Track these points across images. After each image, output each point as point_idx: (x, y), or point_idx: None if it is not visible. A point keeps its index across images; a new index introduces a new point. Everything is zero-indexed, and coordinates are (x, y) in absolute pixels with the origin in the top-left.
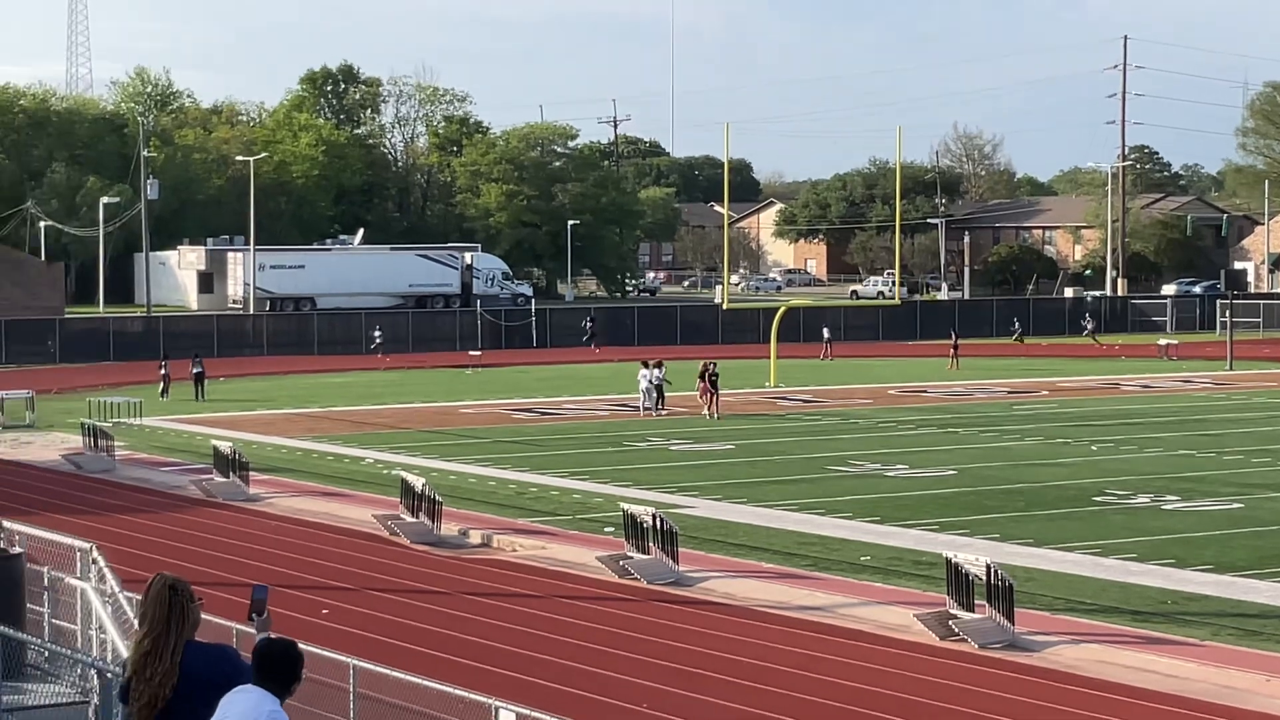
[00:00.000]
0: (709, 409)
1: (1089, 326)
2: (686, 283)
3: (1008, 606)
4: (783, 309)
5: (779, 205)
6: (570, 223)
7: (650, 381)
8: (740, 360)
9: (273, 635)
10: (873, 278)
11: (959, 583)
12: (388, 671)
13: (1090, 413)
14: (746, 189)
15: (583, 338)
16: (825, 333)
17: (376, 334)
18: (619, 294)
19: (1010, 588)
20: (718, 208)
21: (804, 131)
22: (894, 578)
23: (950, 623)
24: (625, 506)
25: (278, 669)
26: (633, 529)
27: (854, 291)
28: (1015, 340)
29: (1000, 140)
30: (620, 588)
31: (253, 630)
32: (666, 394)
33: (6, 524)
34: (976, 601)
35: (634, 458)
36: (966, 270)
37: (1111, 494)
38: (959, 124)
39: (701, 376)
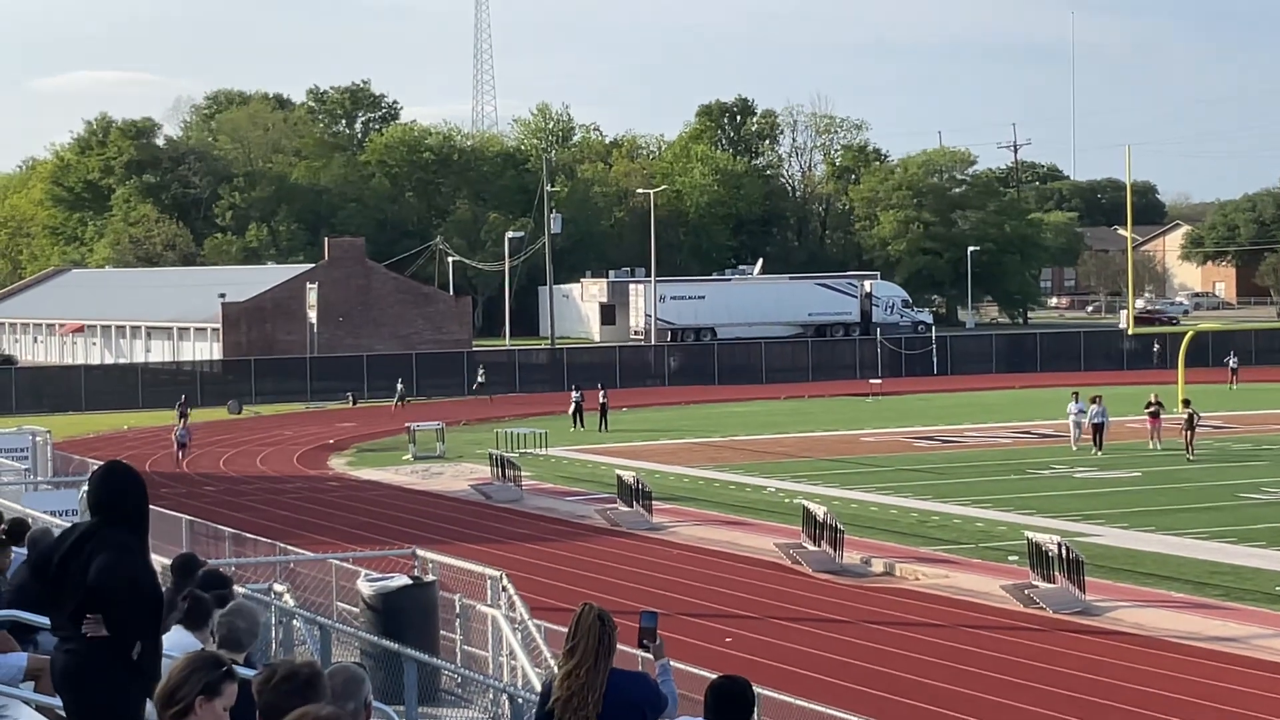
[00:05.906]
0: (1188, 449)
1: None
2: (1090, 308)
3: None
4: (1190, 333)
5: (1185, 227)
6: (970, 249)
7: (1076, 414)
8: (1144, 386)
9: (729, 674)
10: None
11: None
12: (792, 700)
13: None
14: (1151, 211)
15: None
16: (1232, 361)
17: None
18: (1020, 320)
19: None
20: (1121, 231)
21: (1210, 151)
22: None
23: None
24: (1029, 535)
25: (734, 707)
26: (1037, 557)
27: None
28: None
29: None
30: (1025, 617)
31: (650, 656)
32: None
33: (420, 552)
34: None
35: (1038, 485)
36: None
37: None
38: None
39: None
